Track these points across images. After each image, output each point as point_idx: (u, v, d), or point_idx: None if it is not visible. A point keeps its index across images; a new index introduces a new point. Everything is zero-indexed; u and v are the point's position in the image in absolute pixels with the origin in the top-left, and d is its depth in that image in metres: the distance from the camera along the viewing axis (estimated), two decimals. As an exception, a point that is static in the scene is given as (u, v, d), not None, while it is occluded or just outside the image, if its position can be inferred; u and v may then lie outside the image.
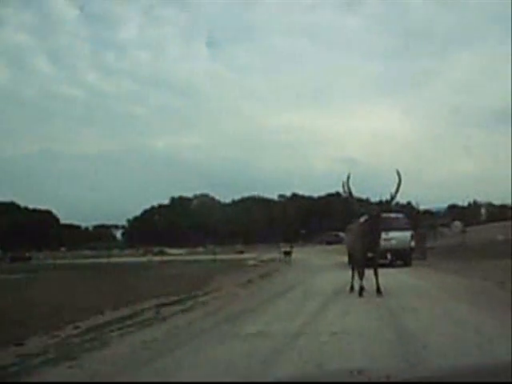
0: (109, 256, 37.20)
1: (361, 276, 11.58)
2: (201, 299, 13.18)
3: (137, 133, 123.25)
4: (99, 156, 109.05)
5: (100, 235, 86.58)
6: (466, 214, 54.31)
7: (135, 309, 11.61)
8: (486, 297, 10.68)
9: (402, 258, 20.35)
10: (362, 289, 11.40)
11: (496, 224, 40.93)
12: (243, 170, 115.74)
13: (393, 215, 17.73)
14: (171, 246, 64.18)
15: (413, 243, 21.07)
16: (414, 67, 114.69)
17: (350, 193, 11.27)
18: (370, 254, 11.51)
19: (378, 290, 11.17)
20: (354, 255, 12.47)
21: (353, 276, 12.40)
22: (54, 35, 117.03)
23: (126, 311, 11.24)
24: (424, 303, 9.74)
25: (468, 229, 38.38)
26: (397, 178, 11.07)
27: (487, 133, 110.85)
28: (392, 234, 18.43)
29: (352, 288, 12.19)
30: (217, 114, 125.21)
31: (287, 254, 27.68)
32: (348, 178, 11.26)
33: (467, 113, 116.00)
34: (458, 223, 40.43)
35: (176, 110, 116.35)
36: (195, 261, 34.82)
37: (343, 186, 11.28)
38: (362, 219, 11.71)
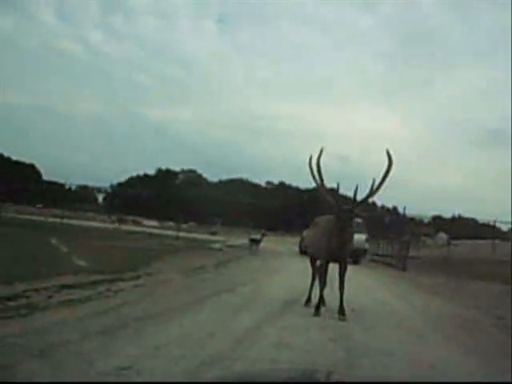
0: (62, 217, 33.60)
1: (321, 285, 8.38)
2: (119, 285, 10.38)
3: (133, 100, 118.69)
4: (92, 118, 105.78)
5: (82, 196, 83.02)
6: (451, 227, 51.31)
7: (32, 287, 8.89)
8: (485, 339, 7.50)
9: (354, 256, 21.62)
10: (319, 306, 8.20)
11: (482, 242, 37.98)
12: (234, 152, 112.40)
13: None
14: (150, 217, 61.19)
15: (366, 245, 24.37)
16: (416, 75, 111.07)
17: (320, 176, 7.93)
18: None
19: (341, 310, 7.97)
20: (315, 257, 9.16)
21: (312, 284, 9.18)
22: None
23: (17, 288, 8.61)
24: (402, 342, 6.54)
25: (453, 242, 35.49)
26: (386, 161, 7.84)
27: (480, 150, 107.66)
28: None
29: (309, 300, 8.97)
30: (216, 93, 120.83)
31: (255, 242, 23.39)
32: (320, 154, 7.96)
33: (463, 127, 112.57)
34: (443, 235, 37.40)
35: (176, 82, 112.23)
36: (161, 235, 31.71)
37: (310, 163, 7.95)
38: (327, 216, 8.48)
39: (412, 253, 25.57)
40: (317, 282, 8.88)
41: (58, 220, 34.08)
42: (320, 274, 8.46)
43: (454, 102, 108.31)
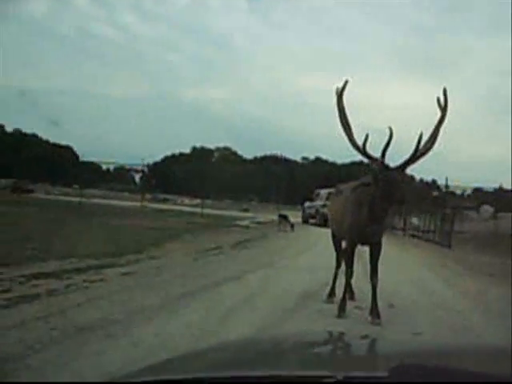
0: (86, 196, 32.44)
1: (348, 274, 6.07)
2: (105, 273, 8.78)
3: (167, 80, 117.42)
4: (127, 99, 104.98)
5: (119, 177, 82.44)
6: (494, 199, 47.75)
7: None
8: None
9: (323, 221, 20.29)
10: (344, 302, 5.93)
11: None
12: (268, 129, 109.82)
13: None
14: (185, 195, 59.78)
15: None
16: (453, 45, 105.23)
17: (344, 113, 5.56)
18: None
19: (375, 311, 5.68)
20: (340, 237, 6.81)
21: (336, 272, 6.89)
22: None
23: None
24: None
25: (498, 215, 32.41)
26: (442, 100, 5.51)
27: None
28: None
29: (332, 293, 6.70)
30: (248, 70, 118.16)
31: (284, 218, 21.36)
32: (343, 86, 5.62)
33: (505, 97, 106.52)
34: (487, 207, 34.21)
35: (208, 61, 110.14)
36: (191, 213, 29.90)
37: (340, 96, 5.55)
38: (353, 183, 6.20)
39: (455, 227, 22.88)
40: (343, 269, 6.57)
41: (89, 200, 32.96)
42: (346, 259, 6.14)
43: (494, 71, 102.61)
